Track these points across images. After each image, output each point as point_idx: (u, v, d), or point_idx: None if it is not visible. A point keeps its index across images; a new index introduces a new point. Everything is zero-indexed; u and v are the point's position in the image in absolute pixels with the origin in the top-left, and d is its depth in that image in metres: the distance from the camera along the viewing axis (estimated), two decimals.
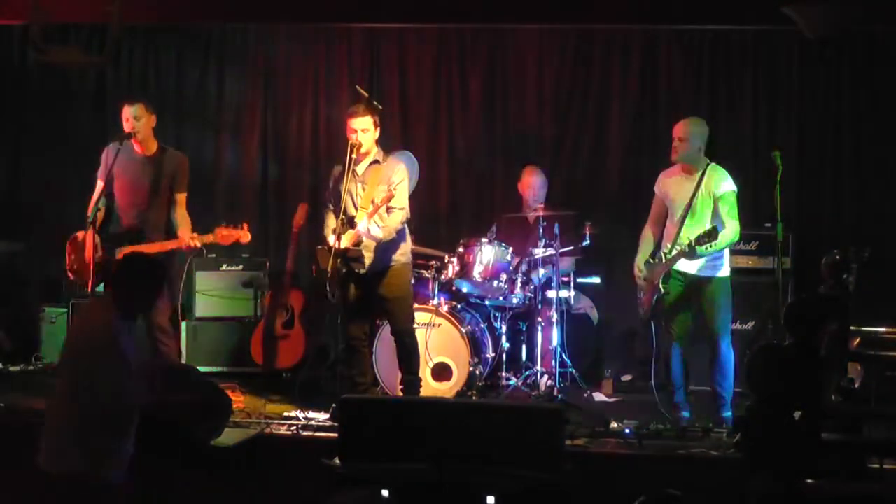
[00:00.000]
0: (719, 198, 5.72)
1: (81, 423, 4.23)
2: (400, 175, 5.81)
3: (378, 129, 5.84)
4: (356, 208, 5.81)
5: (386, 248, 5.85)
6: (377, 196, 5.72)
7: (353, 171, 5.79)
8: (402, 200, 5.78)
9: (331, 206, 5.94)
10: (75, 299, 7.20)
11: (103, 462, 4.25)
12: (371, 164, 5.86)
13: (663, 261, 5.82)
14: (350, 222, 5.80)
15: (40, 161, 8.06)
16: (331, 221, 5.90)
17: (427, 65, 7.94)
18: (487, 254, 6.46)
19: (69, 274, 6.03)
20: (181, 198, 6.01)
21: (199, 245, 5.90)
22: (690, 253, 5.63)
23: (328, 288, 5.74)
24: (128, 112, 5.92)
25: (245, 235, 5.96)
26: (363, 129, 5.75)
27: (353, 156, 5.74)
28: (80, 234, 5.93)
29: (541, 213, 6.65)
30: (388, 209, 5.74)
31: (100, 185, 5.97)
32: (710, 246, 5.56)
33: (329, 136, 7.95)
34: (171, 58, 8.13)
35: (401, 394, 6.03)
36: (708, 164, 5.84)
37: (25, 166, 8.14)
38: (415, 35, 7.92)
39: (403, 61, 7.95)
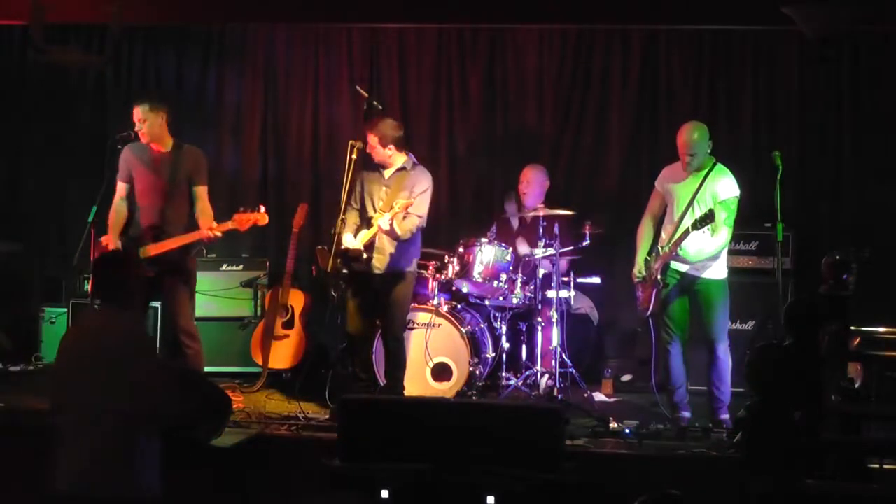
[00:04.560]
0: (721, 203, 5.72)
1: (118, 440, 4.01)
2: (423, 185, 5.99)
3: (385, 145, 5.94)
4: (375, 210, 5.93)
5: (401, 255, 5.99)
6: (398, 202, 5.83)
7: (381, 174, 5.99)
8: (420, 208, 5.93)
9: (354, 205, 6.06)
10: (75, 299, 7.21)
11: (142, 476, 4.07)
12: (398, 170, 6.01)
13: (661, 254, 5.83)
14: (368, 223, 5.91)
15: (40, 161, 8.06)
16: (351, 218, 6.01)
17: (427, 65, 7.93)
18: (487, 254, 6.46)
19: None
20: (201, 191, 5.97)
21: (220, 234, 5.88)
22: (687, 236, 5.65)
23: (331, 288, 5.80)
24: (135, 113, 5.89)
25: (263, 217, 5.93)
26: (369, 146, 5.97)
27: (353, 156, 5.80)
28: (103, 239, 5.87)
29: (541, 213, 6.65)
30: (406, 214, 5.86)
31: (121, 186, 5.95)
32: (708, 229, 5.59)
33: (329, 136, 7.95)
34: (171, 58, 8.13)
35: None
36: (714, 164, 5.85)
37: (25, 166, 8.14)
38: (415, 35, 7.92)
39: (403, 61, 7.95)
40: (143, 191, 5.92)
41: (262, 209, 5.94)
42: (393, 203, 5.80)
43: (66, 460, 4.05)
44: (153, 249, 5.80)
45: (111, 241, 5.78)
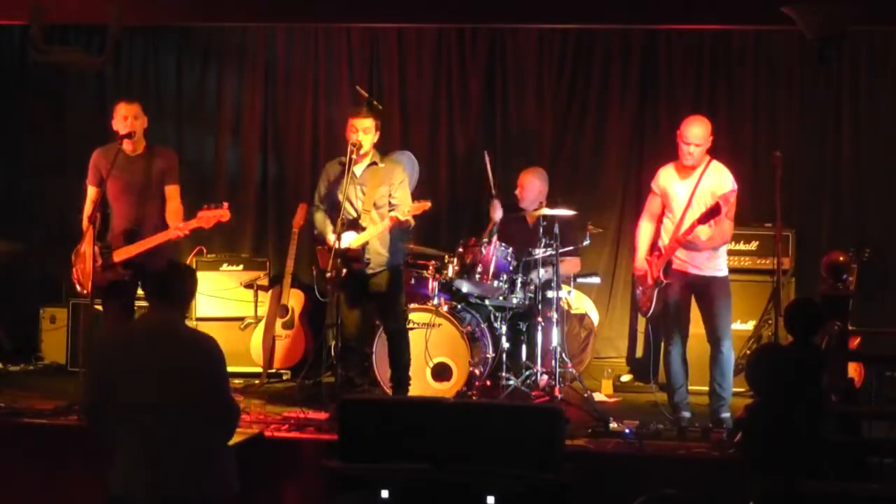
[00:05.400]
0: (720, 198, 5.72)
1: (203, 441, 4.02)
2: (399, 176, 5.94)
3: (378, 132, 5.91)
4: (356, 211, 5.87)
5: (395, 252, 5.99)
6: (379, 199, 5.83)
7: (352, 173, 5.87)
8: (408, 200, 5.90)
9: (322, 207, 6.01)
10: (75, 299, 7.20)
11: (223, 475, 4.10)
12: (369, 166, 5.94)
13: (663, 252, 5.84)
14: (352, 225, 5.84)
15: (40, 161, 8.06)
16: (322, 219, 5.96)
17: (427, 65, 7.93)
18: (487, 254, 6.45)
19: (77, 286, 5.98)
20: (172, 191, 5.93)
21: (187, 232, 5.85)
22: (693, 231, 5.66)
23: (327, 288, 5.77)
24: (127, 111, 5.87)
25: (225, 214, 5.85)
26: (364, 130, 5.83)
27: (353, 157, 5.78)
28: (81, 246, 5.88)
29: (540, 212, 6.63)
30: (395, 208, 5.84)
31: (93, 190, 5.91)
32: (712, 225, 5.60)
33: (329, 136, 7.94)
34: (171, 58, 8.13)
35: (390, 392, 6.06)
36: (709, 161, 5.86)
37: (25, 166, 8.14)
38: (415, 35, 7.92)
39: (403, 61, 7.95)
40: (118, 193, 5.88)
41: (225, 205, 5.87)
42: (406, 209, 5.77)
43: (132, 462, 3.95)
44: (124, 253, 5.76)
45: (87, 246, 5.69)
